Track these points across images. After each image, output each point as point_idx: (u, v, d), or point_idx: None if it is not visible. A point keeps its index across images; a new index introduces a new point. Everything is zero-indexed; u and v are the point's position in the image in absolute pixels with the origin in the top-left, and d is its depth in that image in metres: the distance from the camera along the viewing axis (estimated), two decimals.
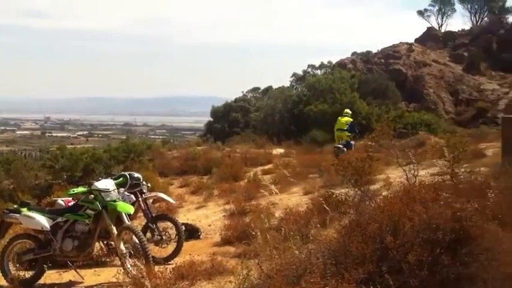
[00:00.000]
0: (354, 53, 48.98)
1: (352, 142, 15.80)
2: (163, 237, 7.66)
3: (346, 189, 7.68)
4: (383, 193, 7.65)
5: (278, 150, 21.25)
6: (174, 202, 9.68)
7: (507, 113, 31.25)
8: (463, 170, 7.89)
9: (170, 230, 7.81)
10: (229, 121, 39.11)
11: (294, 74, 44.30)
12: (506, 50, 42.30)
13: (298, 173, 14.52)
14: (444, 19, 55.92)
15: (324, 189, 10.66)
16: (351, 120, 16.60)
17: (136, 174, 8.12)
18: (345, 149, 15.03)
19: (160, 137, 78.36)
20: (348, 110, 17.57)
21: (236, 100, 42.95)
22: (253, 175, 14.86)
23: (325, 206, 6.21)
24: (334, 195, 7.56)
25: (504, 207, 5.53)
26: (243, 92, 45.88)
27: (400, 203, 4.72)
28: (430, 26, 54.66)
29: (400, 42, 46.25)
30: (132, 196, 7.76)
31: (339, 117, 16.79)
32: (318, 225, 5.90)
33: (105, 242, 7.02)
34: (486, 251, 4.26)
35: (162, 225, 7.88)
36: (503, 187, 6.42)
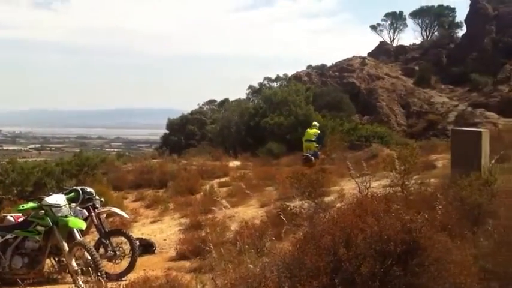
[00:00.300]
0: (309, 66, 49.72)
1: (319, 152, 17.38)
2: (117, 252, 7.51)
3: (301, 202, 7.75)
4: (337, 205, 7.75)
5: (234, 163, 21.23)
6: (128, 217, 9.53)
7: (457, 125, 32.28)
8: (413, 181, 8.10)
9: (124, 245, 7.67)
10: (186, 133, 38.94)
11: (250, 87, 44.66)
12: (456, 63, 43.82)
13: (255, 186, 14.53)
14: (396, 34, 57.63)
15: (279, 201, 10.69)
16: (319, 132, 18.32)
17: (88, 189, 7.95)
18: (313, 158, 16.41)
19: (116, 149, 77.05)
20: (315, 123, 19.63)
21: (192, 112, 42.84)
22: (210, 188, 14.79)
23: (282, 218, 6.20)
24: (289, 208, 7.61)
25: (453, 218, 5.70)
26: (199, 104, 45.90)
27: (352, 215, 4.78)
28: (382, 40, 56.20)
29: (354, 56, 47.26)
30: (85, 211, 7.60)
31: (308, 129, 18.43)
32: (273, 238, 5.92)
33: (56, 259, 6.85)
34: (436, 262, 4.35)
35: (115, 240, 7.73)
36: (452, 198, 6.62)
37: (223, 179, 17.10)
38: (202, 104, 46.12)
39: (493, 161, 11.13)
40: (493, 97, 36.37)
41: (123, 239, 7.74)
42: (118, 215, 8.61)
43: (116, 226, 9.38)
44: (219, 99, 47.34)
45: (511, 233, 5.24)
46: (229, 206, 11.13)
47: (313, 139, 17.77)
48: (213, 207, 11.50)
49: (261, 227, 7.13)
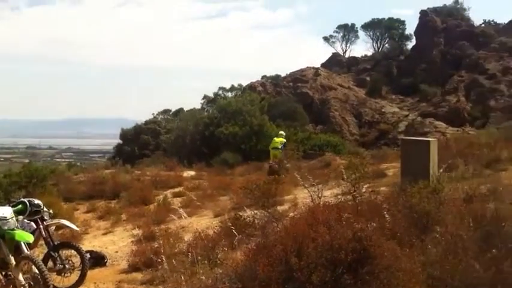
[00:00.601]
0: (263, 77, 50.04)
1: (285, 160, 18.28)
2: (66, 265, 7.29)
3: (255, 211, 7.75)
4: (290, 214, 7.80)
5: (189, 173, 21.08)
6: (77, 229, 9.26)
7: (407, 134, 33.10)
8: (364, 190, 8.23)
9: (74, 258, 7.46)
10: (139, 143, 38.43)
11: (205, 96, 44.51)
12: (406, 75, 45.06)
13: (209, 195, 14.50)
14: (348, 45, 58.84)
15: (234, 211, 10.67)
16: (285, 140, 19.93)
17: (36, 201, 7.70)
18: (277, 166, 17.30)
19: (67, 160, 75.30)
20: (282, 132, 21.65)
21: (146, 122, 42.36)
22: (163, 198, 14.62)
23: (233, 230, 6.19)
24: (242, 218, 7.60)
25: (402, 226, 5.82)
26: (153, 114, 45.40)
27: (304, 224, 4.83)
28: (335, 51, 57.23)
29: (307, 67, 47.84)
30: (33, 224, 7.35)
31: (275, 138, 20.24)
32: (226, 249, 5.90)
33: (3, 273, 6.61)
34: (386, 270, 4.43)
35: (65, 253, 7.51)
36: (402, 206, 6.77)
37: (177, 189, 16.94)
38: (157, 114, 45.70)
39: (441, 170, 11.45)
40: (441, 107, 37.52)
41: (72, 251, 7.53)
42: (67, 227, 8.37)
43: (66, 238, 9.12)
44: (173, 108, 46.99)
45: (458, 240, 5.40)
46: (186, 215, 11.07)
47: (280, 147, 19.23)
48: (168, 217, 11.41)
49: (214, 238, 7.10)
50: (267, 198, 6.92)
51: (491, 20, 51.85)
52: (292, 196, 11.49)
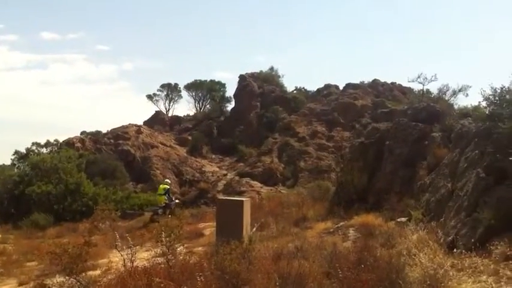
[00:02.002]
0: (83, 132, 48.08)
1: (173, 203, 21.25)
2: None
3: (63, 278, 7.29)
4: (103, 279, 7.47)
5: None
6: None
7: (225, 193, 34.15)
8: (179, 251, 8.26)
9: None
10: None
11: (16, 152, 41.20)
12: (225, 135, 46.93)
13: (15, 261, 13.32)
14: (171, 104, 59.69)
15: (42, 278, 9.92)
16: (168, 187, 21.97)
17: None
18: (159, 212, 19.73)
19: None
20: (167, 180, 25.61)
21: None
22: None
23: None
24: (47, 286, 7.09)
25: (213, 287, 5.94)
26: None
27: None
28: (158, 109, 57.55)
29: (130, 124, 47.28)
30: None
31: (160, 185, 22.41)
32: None
33: None
34: None
35: None
36: (215, 267, 6.92)
37: None
38: None
39: (254, 229, 12.00)
40: (257, 167, 39.54)
41: None
42: None
43: None
44: None
45: None
46: None
47: (163, 193, 21.05)
48: None
49: None
50: (76, 264, 6.56)
51: (302, 87, 56.92)
52: (107, 260, 11.04)
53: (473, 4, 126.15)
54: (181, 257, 7.85)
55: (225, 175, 39.95)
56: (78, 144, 41.38)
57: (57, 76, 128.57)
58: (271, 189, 35.06)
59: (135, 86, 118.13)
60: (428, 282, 6.47)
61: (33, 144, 42.85)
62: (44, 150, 41.58)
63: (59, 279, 7.64)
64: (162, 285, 4.87)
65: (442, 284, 6.43)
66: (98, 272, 9.54)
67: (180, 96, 59.84)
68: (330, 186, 20.41)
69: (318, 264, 7.66)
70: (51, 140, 43.83)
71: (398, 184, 15.29)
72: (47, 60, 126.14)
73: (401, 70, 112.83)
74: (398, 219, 12.63)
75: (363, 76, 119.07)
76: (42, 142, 43.30)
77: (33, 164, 30.33)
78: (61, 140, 43.22)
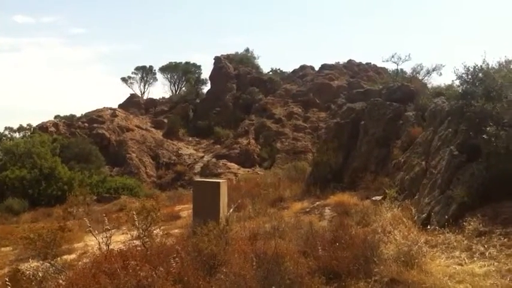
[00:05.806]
0: (57, 116, 47.34)
1: None
2: None
3: (40, 263, 7.21)
4: (79, 263, 7.41)
5: None
6: None
7: (203, 175, 34.13)
8: (156, 233, 8.23)
9: None
10: None
11: None
12: (201, 117, 46.71)
13: None
14: (146, 87, 59.07)
15: (16, 263, 9.81)
16: None
17: None
18: None
19: None
20: None
21: None
22: None
23: (9, 286, 5.65)
24: (21, 272, 7.00)
25: (190, 269, 5.93)
26: None
27: (88, 275, 4.64)
28: (133, 92, 56.86)
29: (104, 107, 46.71)
30: None
31: None
32: None
33: None
34: None
35: None
36: (191, 249, 6.91)
37: None
38: None
39: (231, 210, 12.01)
40: (234, 149, 39.55)
41: None
42: None
43: None
44: None
45: (241, 280, 5.67)
46: None
47: None
48: None
49: None
50: (50, 249, 6.48)
51: (277, 68, 56.85)
52: (83, 244, 10.96)
53: None
54: (157, 240, 7.82)
55: (202, 157, 39.89)
56: (52, 129, 40.77)
57: (30, 60, 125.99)
58: (248, 171, 35.13)
59: (111, 69, 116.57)
60: (402, 258, 6.57)
61: (5, 128, 41.95)
62: (16, 134, 40.81)
63: (33, 264, 7.54)
64: (137, 267, 4.84)
65: (416, 260, 6.53)
66: (73, 256, 9.48)
67: (155, 79, 59.38)
68: (306, 167, 20.52)
69: (294, 243, 7.72)
70: (24, 125, 42.99)
71: (373, 163, 15.44)
72: (20, 43, 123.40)
73: (377, 50, 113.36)
74: (374, 198, 12.78)
75: (339, 57, 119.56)
76: (15, 127, 42.43)
77: (7, 149, 29.85)
78: (34, 124, 42.45)
